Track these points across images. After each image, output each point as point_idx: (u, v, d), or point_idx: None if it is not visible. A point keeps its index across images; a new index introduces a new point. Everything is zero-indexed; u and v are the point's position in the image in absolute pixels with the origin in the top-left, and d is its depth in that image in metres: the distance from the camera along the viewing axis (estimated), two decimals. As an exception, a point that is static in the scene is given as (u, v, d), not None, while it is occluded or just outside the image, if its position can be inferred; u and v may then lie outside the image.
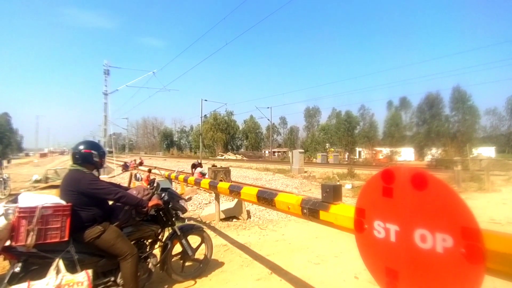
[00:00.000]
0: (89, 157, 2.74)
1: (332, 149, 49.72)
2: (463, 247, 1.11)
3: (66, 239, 2.36)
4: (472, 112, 55.47)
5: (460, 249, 1.12)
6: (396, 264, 1.35)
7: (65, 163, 25.61)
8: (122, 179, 13.81)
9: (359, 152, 51.47)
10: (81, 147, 2.74)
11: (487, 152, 36.15)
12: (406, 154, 44.63)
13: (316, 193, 10.02)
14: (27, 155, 78.27)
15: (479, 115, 57.50)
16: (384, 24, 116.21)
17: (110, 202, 2.86)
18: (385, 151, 40.93)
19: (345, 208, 1.98)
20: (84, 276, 2.32)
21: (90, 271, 2.39)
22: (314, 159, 40.83)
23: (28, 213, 2.23)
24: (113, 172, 18.51)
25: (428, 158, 34.45)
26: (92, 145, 2.86)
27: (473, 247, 1.09)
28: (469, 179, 11.78)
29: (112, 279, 2.70)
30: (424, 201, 1.24)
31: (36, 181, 13.05)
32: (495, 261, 1.10)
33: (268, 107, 49.32)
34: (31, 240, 2.21)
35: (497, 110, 63.94)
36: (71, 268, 2.37)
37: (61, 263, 2.31)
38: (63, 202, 2.46)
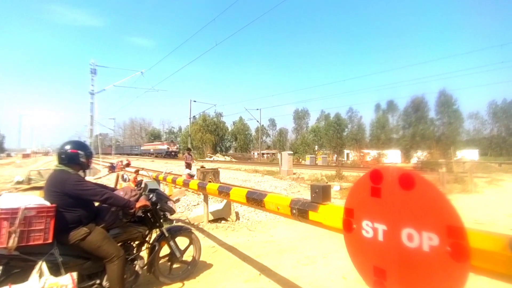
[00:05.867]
0: (76, 157, 2.69)
1: (321, 152, 50.14)
2: (449, 245, 1.13)
3: (50, 241, 2.30)
4: (456, 116, 57.02)
5: (446, 248, 1.14)
6: (384, 263, 1.37)
7: (49, 164, 25.01)
8: (108, 180, 13.55)
9: (347, 154, 52.06)
10: (68, 147, 2.69)
11: (470, 155, 37.16)
12: (393, 157, 45.36)
13: (305, 195, 10.08)
14: (8, 155, 75.68)
15: (462, 119, 59.28)
16: (373, 29, 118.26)
17: (96, 203, 2.80)
18: (372, 153, 41.54)
19: (334, 209, 1.99)
20: (68, 279, 2.27)
21: (74, 274, 2.33)
22: (303, 161, 41.03)
23: (10, 214, 2.16)
24: (99, 173, 18.17)
25: (414, 160, 35.11)
26: (79, 145, 2.80)
27: (458, 246, 1.11)
28: (453, 181, 12.05)
29: (98, 281, 2.64)
30: (411, 201, 1.26)
31: (18, 182, 12.66)
32: (480, 259, 1.13)
33: (257, 109, 49.38)
34: (13, 242, 2.14)
35: (480, 114, 65.95)
36: (55, 271, 2.31)
37: (44, 266, 2.25)
38: (47, 203, 2.40)
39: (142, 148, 67.22)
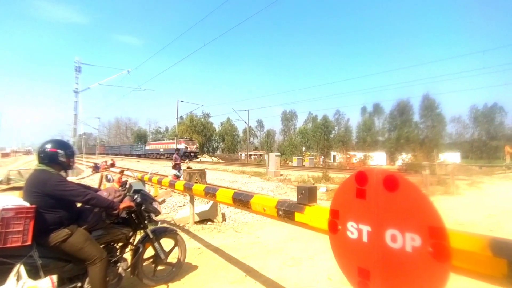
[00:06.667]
0: (55, 156, 2.59)
1: (308, 153, 50.51)
2: (431, 246, 1.15)
3: (28, 243, 2.22)
4: (439, 119, 58.79)
5: (428, 248, 1.16)
6: (368, 264, 1.38)
7: (30, 163, 24.29)
8: (92, 180, 13.26)
9: (334, 156, 52.55)
10: (47, 145, 2.60)
11: (452, 157, 38.16)
12: (378, 159, 46.10)
13: (291, 196, 10.12)
14: (-13, 154, 73.13)
15: (445, 123, 61.16)
16: (360, 33, 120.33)
17: (79, 204, 2.73)
18: (358, 155, 42.09)
19: (320, 210, 2.01)
20: (48, 282, 2.20)
21: (54, 277, 2.26)
22: (290, 163, 41.22)
23: (-14, 215, 2.08)
24: (82, 174, 17.78)
25: (399, 162, 35.80)
26: (59, 144, 2.70)
27: (440, 246, 1.14)
28: (436, 183, 12.35)
29: (79, 284, 2.57)
30: (395, 202, 1.27)
31: (-3, 183, 12.25)
32: (460, 259, 1.16)
33: (245, 110, 48.91)
34: (-11, 244, 2.06)
35: (462, 118, 68.14)
36: (34, 274, 2.23)
37: (22, 269, 2.17)
38: (27, 204, 2.32)
39: (147, 147, 55.53)
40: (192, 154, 44.70)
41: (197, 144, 49.91)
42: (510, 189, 12.67)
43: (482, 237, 1.18)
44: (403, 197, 1.25)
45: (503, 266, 1.07)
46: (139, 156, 54.58)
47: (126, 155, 58.92)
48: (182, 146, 44.73)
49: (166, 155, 46.82)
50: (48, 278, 2.23)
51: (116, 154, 61.26)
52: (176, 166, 14.06)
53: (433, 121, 58.48)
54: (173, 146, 46.11)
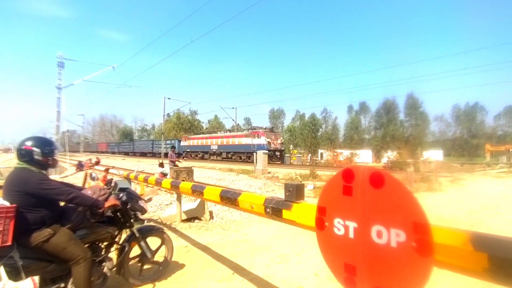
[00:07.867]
0: (30, 154, 2.47)
1: (296, 151, 50.84)
2: (414, 241, 1.18)
3: (9, 243, 2.15)
4: (423, 118, 60.18)
5: (412, 243, 1.18)
6: (354, 260, 1.40)
7: (10, 162, 23.55)
8: (76, 179, 12.96)
9: (321, 153, 53.07)
10: (24, 143, 2.50)
11: (435, 155, 39.15)
12: (364, 156, 46.85)
13: (279, 193, 10.16)
14: (-35, 152, 70.41)
15: (429, 121, 62.74)
16: (347, 33, 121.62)
17: (62, 203, 2.66)
18: (345, 153, 42.67)
19: (307, 207, 2.02)
20: (29, 284, 2.14)
21: (36, 278, 2.21)
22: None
23: (-37, 215, 2.01)
24: (65, 172, 17.36)
25: (384, 160, 36.47)
26: (37, 141, 2.54)
27: (423, 241, 1.16)
28: (420, 180, 12.62)
29: (63, 285, 2.52)
30: (381, 199, 1.29)
31: (-25, 182, 11.80)
32: (443, 253, 1.19)
33: (233, 107, 48.77)
34: (-34, 245, 1.99)
35: (444, 117, 69.99)
36: (15, 275, 2.17)
37: (2, 270, 2.11)
38: (7, 203, 2.24)
39: (184, 143, 37.76)
40: (277, 153, 29.77)
41: (282, 139, 33.65)
42: (490, 186, 13.09)
43: (463, 232, 1.21)
44: (388, 194, 1.27)
45: (483, 260, 1.10)
46: (174, 159, 38.43)
47: (143, 154, 46.13)
48: (262, 140, 29.06)
49: (226, 155, 31.75)
50: (29, 279, 2.17)
51: (127, 153, 51.78)
52: (162, 164, 13.89)
53: (417, 119, 59.82)
54: (249, 141, 30.33)
